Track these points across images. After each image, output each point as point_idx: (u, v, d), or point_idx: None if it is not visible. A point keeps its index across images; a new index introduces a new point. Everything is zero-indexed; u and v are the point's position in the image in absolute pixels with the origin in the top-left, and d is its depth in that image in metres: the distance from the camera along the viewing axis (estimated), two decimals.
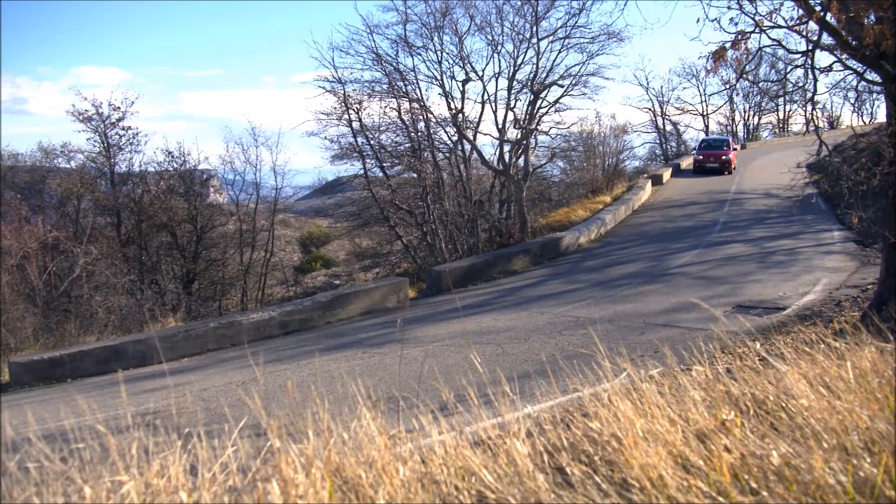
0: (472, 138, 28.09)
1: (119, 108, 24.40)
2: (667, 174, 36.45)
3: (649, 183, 31.90)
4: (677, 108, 62.51)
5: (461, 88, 27.80)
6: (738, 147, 40.15)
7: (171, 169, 25.31)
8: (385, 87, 26.30)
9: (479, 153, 28.69)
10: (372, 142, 26.45)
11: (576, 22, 27.91)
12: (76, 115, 23.98)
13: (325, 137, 26.94)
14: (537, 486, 3.03)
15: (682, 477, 2.99)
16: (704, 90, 67.95)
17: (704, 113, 63.37)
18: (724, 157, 37.44)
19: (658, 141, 61.68)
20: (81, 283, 18.20)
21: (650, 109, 61.08)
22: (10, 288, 17.07)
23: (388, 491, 2.95)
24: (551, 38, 28.15)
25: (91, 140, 24.60)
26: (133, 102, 24.68)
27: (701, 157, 38.50)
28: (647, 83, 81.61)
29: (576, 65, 29.93)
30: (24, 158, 25.87)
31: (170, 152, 25.29)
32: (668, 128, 62.71)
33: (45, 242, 18.62)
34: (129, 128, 24.68)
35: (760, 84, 45.38)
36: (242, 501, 2.95)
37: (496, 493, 3.01)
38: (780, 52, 16.45)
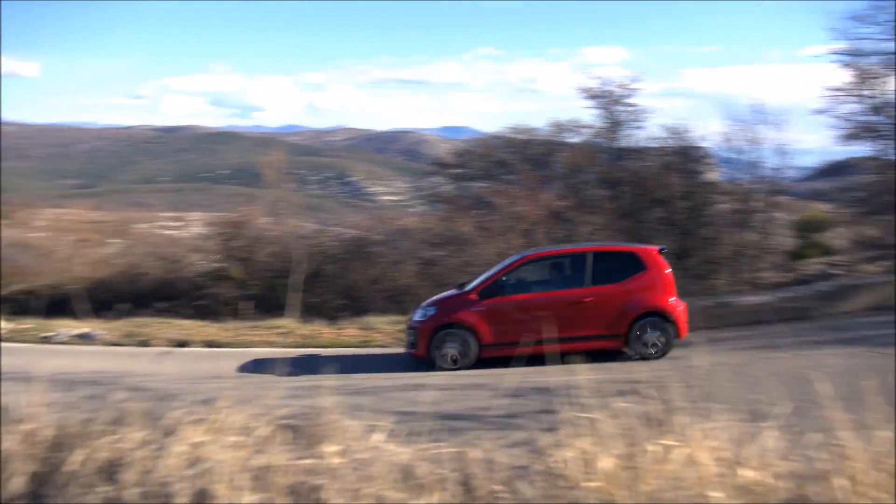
0: None
1: (625, 85, 25.29)
2: None
3: None
4: None
5: None
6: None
7: (669, 145, 25.57)
8: None
9: None
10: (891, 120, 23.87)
11: None
12: (585, 93, 25.37)
13: (834, 115, 24.91)
14: None
15: None
16: None
17: None
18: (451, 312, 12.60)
19: None
20: None
21: None
22: (518, 250, 18.75)
23: None
24: None
25: (597, 116, 25.89)
26: (638, 80, 25.41)
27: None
28: None
29: None
30: (538, 133, 28.09)
31: (669, 129, 25.57)
32: None
33: (553, 211, 20.10)
34: (633, 105, 25.46)
35: None
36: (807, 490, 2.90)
37: None
38: None
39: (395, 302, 17.75)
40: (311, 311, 17.40)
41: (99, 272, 25.92)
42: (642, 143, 25.38)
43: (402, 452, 3.39)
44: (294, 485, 3.05)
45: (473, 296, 12.49)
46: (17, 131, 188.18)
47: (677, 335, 12.03)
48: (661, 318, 11.98)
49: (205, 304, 20.38)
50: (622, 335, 11.93)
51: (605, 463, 3.12)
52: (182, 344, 15.49)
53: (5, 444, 3.50)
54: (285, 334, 15.38)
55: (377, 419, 3.81)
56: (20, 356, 13.71)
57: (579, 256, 12.91)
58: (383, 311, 15.25)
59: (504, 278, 12.64)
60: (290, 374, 9.93)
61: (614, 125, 25.01)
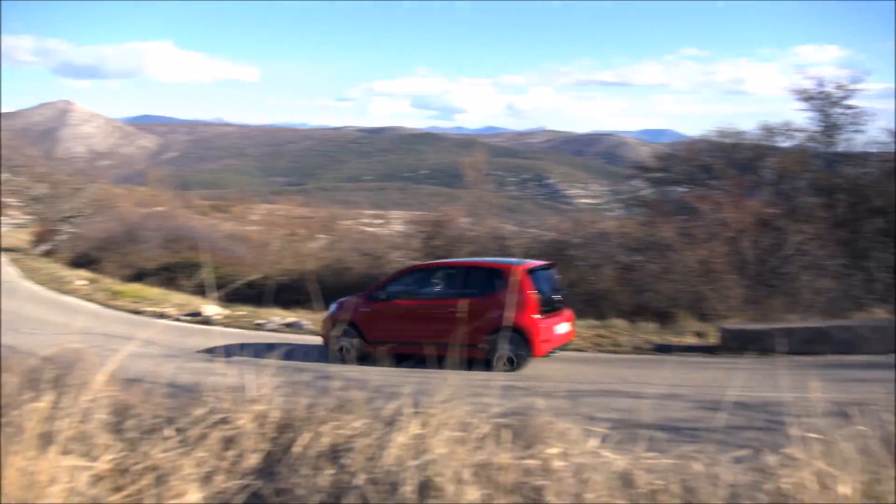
0: None
1: (843, 86, 23.72)
2: None
3: None
4: None
5: None
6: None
7: (892, 150, 23.77)
8: None
9: None
10: None
11: None
12: (798, 94, 24.01)
13: None
14: None
15: None
16: None
17: None
18: None
19: None
20: (791, 261, 18.37)
21: None
22: (722, 258, 18.10)
23: None
24: None
25: (811, 119, 24.43)
26: (857, 80, 23.78)
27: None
28: None
29: None
30: (746, 137, 26.79)
31: (893, 132, 23.75)
32: None
33: (760, 218, 19.22)
34: (851, 107, 23.84)
35: None
36: None
37: None
38: None
39: (592, 306, 17.58)
40: None
41: (306, 265, 27.38)
42: (862, 148, 23.76)
43: (618, 459, 3.33)
44: (516, 484, 3.07)
45: (363, 298, 13.78)
46: (236, 132, 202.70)
47: (530, 352, 12.30)
48: (516, 333, 12.16)
49: None
50: (482, 346, 12.28)
51: (844, 488, 2.93)
52: None
53: (241, 422, 3.74)
54: None
55: (584, 424, 3.77)
56: (235, 340, 14.75)
57: (456, 269, 14.25)
58: (580, 314, 15.06)
59: (389, 284, 13.91)
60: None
61: (830, 128, 23.58)
